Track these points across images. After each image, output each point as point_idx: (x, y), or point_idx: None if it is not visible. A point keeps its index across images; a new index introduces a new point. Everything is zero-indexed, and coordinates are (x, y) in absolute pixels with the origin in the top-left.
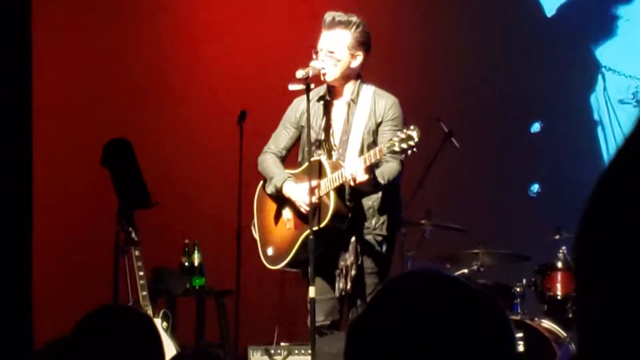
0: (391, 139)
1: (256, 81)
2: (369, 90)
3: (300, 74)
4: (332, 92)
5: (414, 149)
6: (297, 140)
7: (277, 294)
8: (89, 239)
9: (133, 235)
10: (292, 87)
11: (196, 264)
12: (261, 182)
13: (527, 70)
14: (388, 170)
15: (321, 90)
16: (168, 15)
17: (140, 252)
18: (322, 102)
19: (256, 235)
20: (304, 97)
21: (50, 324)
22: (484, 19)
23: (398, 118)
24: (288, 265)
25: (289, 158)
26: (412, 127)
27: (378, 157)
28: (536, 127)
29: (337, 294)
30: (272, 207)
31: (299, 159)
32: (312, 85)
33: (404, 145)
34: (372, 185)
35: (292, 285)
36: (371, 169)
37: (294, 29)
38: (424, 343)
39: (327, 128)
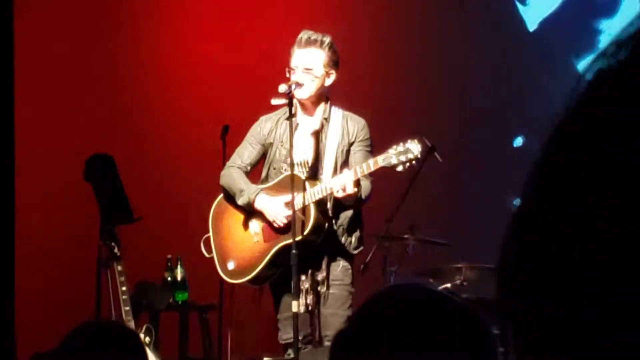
0: (387, 152)
1: (238, 96)
2: (338, 111)
3: (282, 88)
4: (302, 111)
5: (413, 163)
6: (262, 156)
7: (261, 309)
8: (71, 253)
9: (115, 250)
10: (275, 101)
11: (179, 278)
12: (219, 197)
13: (509, 84)
14: (364, 187)
15: (286, 109)
16: (150, 32)
17: (122, 267)
18: (289, 120)
19: (206, 253)
20: (270, 115)
21: (33, 338)
22: (466, 33)
23: (369, 139)
24: (252, 280)
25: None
26: (410, 140)
27: (372, 169)
28: (519, 141)
29: (302, 309)
30: (234, 220)
31: (263, 175)
32: (295, 101)
33: (403, 158)
34: (356, 199)
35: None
36: (359, 182)
37: (277, 44)
38: (408, 356)
39: (301, 146)
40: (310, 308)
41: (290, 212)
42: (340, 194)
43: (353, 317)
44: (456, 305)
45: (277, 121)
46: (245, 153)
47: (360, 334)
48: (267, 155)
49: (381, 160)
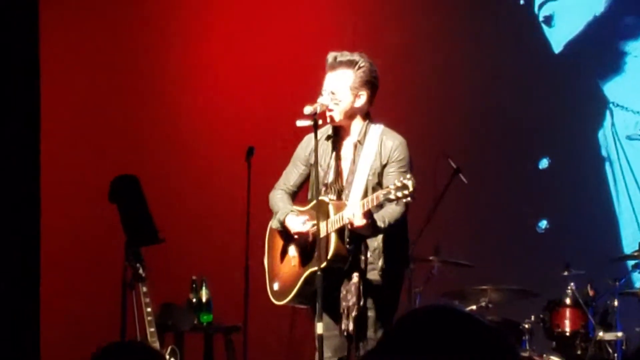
0: (388, 187)
1: (264, 117)
2: (376, 130)
3: (308, 110)
4: (340, 131)
5: (409, 199)
6: (307, 177)
7: (285, 330)
8: (96, 274)
9: (140, 271)
10: (300, 123)
11: (204, 300)
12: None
13: (534, 106)
14: (390, 213)
15: (329, 128)
16: (177, 51)
17: (147, 288)
18: (330, 140)
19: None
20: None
21: (58, 358)
22: (492, 55)
23: (404, 159)
24: (291, 301)
25: (299, 195)
26: (408, 177)
27: (375, 203)
28: (544, 163)
29: (340, 333)
30: (279, 243)
31: (309, 196)
32: (320, 122)
33: (399, 194)
34: (370, 229)
35: (301, 322)
36: (370, 213)
37: (303, 65)
38: None
39: (336, 168)
40: (346, 333)
41: (308, 226)
42: (349, 227)
43: (382, 337)
44: (486, 327)
45: (319, 141)
46: (290, 175)
47: (390, 355)
48: (311, 176)
49: (381, 196)
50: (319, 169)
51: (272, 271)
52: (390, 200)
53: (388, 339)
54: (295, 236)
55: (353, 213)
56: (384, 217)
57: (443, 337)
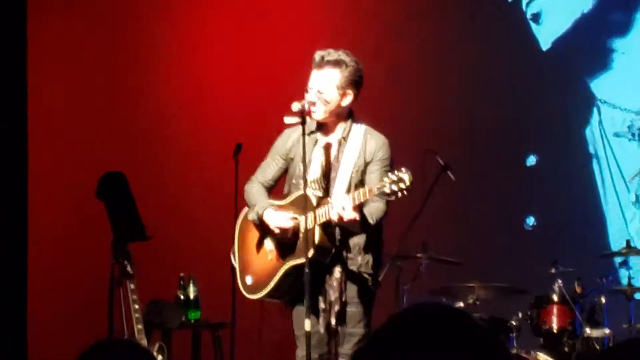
0: (383, 181)
1: (251, 114)
2: (360, 129)
3: (296, 106)
4: (323, 128)
5: (404, 192)
6: (285, 171)
7: (273, 327)
8: (84, 271)
9: (128, 268)
10: (288, 119)
11: (192, 296)
12: (244, 210)
13: (522, 103)
14: (375, 210)
15: (312, 125)
16: (164, 50)
17: (135, 285)
18: (311, 136)
19: (235, 263)
20: (295, 128)
21: (46, 357)
22: (479, 53)
23: (387, 159)
24: (267, 295)
25: (274, 189)
26: (403, 170)
27: (367, 197)
28: (532, 160)
29: (322, 329)
30: (254, 236)
31: (285, 190)
32: (308, 119)
33: (395, 188)
34: (359, 224)
35: (288, 318)
36: (359, 208)
37: (291, 62)
38: None
39: (326, 163)
40: (331, 327)
41: (290, 223)
42: (336, 220)
43: (373, 334)
44: (475, 324)
45: (300, 136)
46: (267, 168)
47: (381, 351)
48: (289, 170)
49: (375, 190)
50: (300, 163)
51: (245, 265)
52: (386, 194)
53: (379, 336)
54: (276, 230)
55: (343, 206)
56: (371, 214)
57: (436, 334)
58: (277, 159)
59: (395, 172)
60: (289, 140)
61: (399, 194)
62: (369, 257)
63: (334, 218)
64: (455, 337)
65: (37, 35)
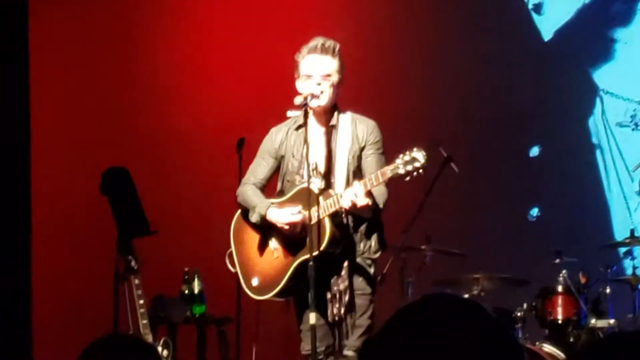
0: (395, 162)
1: (254, 109)
2: (347, 116)
3: (298, 100)
4: (312, 119)
5: (420, 171)
6: (276, 170)
7: (278, 321)
8: (88, 267)
9: (133, 263)
10: (291, 113)
11: (196, 291)
12: (237, 213)
13: (525, 94)
14: (381, 194)
15: (298, 118)
16: (167, 45)
17: (140, 280)
18: (299, 130)
19: (232, 268)
20: (280, 127)
21: (50, 352)
22: (482, 43)
23: (380, 141)
24: (277, 294)
25: (267, 188)
26: (415, 149)
27: (380, 180)
28: (535, 150)
29: (329, 319)
30: (253, 237)
31: (278, 188)
32: (311, 113)
33: (409, 168)
34: (372, 209)
35: (293, 312)
36: (371, 193)
37: (292, 56)
38: None
39: (328, 154)
40: (337, 318)
41: (299, 216)
42: (346, 207)
43: (383, 325)
44: (485, 314)
45: (287, 132)
46: (258, 169)
47: (392, 340)
48: (281, 168)
49: (389, 172)
50: (293, 159)
51: (248, 268)
52: (399, 175)
53: (387, 326)
54: (286, 227)
55: (355, 193)
56: (378, 198)
57: (444, 324)
58: (267, 159)
59: (407, 152)
60: (276, 138)
61: (414, 174)
62: (370, 242)
63: (347, 206)
64: (464, 326)
65: (39, 29)
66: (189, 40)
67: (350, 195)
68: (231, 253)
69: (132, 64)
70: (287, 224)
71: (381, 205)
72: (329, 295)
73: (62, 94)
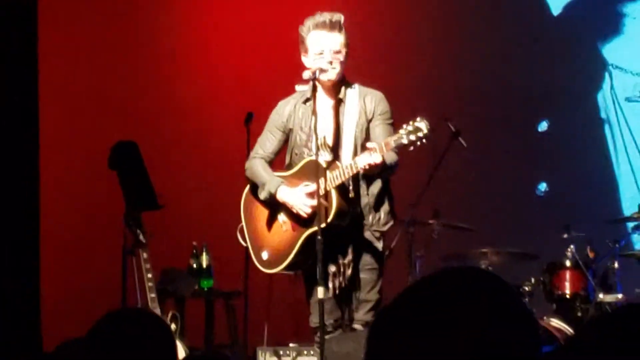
0: (399, 132)
1: (263, 83)
2: (354, 89)
3: (307, 74)
4: (320, 93)
5: (424, 141)
6: (284, 143)
7: (286, 295)
8: (96, 241)
9: (141, 237)
10: (299, 88)
11: (204, 265)
12: (247, 187)
13: (533, 69)
14: (389, 156)
15: (305, 93)
16: (174, 18)
17: (148, 254)
18: (307, 104)
19: (243, 242)
20: (288, 100)
21: (59, 326)
22: (490, 17)
23: (388, 112)
24: (286, 267)
25: (275, 161)
26: (418, 119)
27: (385, 151)
28: (543, 125)
29: (330, 293)
30: (262, 211)
31: (287, 161)
32: (319, 86)
33: (413, 137)
34: (383, 167)
35: (301, 285)
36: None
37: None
38: (450, 334)
39: (335, 127)
40: (337, 292)
41: (313, 201)
42: (367, 167)
43: (400, 295)
44: (504, 286)
45: (295, 105)
46: (266, 142)
47: (403, 313)
48: (289, 141)
49: (392, 142)
50: (301, 132)
51: (258, 241)
52: (403, 145)
53: (401, 298)
54: (294, 209)
55: (370, 152)
56: (387, 160)
57: (461, 296)
58: (276, 132)
59: (411, 122)
60: (284, 112)
61: (418, 143)
62: (379, 215)
63: (362, 164)
64: (485, 299)
65: (48, 9)
66: (199, 15)
67: (365, 156)
68: (242, 228)
69: (141, 38)
70: (299, 207)
71: (389, 164)
72: (333, 269)
73: (70, 69)
